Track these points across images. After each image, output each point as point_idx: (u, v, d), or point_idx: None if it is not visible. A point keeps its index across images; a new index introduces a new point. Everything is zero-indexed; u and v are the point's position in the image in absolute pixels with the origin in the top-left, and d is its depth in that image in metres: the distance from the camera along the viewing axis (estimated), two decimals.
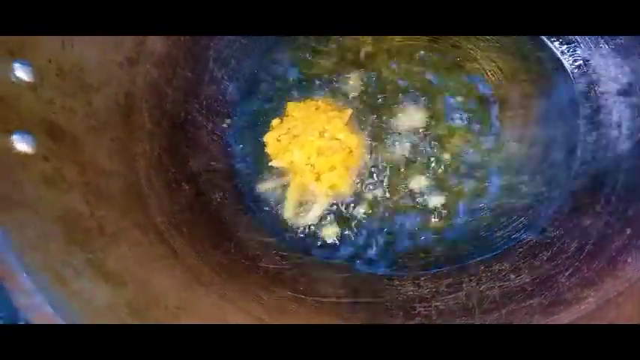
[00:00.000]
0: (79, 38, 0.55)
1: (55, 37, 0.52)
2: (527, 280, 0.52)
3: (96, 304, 0.43)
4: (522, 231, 0.58)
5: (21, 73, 0.49)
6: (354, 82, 0.67)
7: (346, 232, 0.61)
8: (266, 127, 0.66)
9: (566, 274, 0.51)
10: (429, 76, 0.66)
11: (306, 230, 0.61)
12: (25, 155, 0.47)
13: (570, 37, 0.64)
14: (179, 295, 0.49)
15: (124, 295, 0.45)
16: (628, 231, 0.51)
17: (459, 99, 0.65)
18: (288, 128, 0.63)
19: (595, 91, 0.62)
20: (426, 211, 0.61)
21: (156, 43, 0.63)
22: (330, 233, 0.61)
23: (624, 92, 0.59)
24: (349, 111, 0.64)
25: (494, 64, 0.66)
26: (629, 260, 0.48)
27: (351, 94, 0.66)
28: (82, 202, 0.49)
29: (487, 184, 0.62)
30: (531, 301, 0.49)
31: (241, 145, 0.66)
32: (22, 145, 0.46)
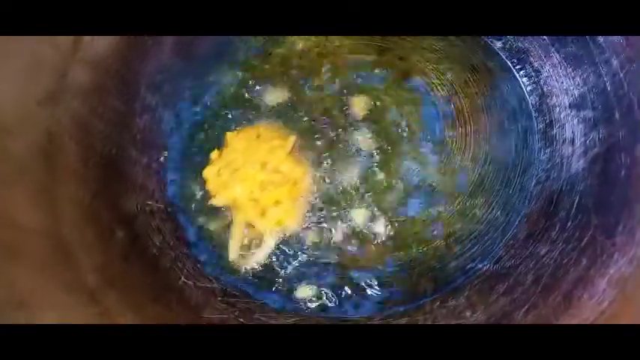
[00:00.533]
0: None
1: None
2: (483, 318, 0.50)
3: None
4: (477, 260, 0.56)
5: None
6: (296, 105, 0.62)
7: (294, 272, 0.58)
8: (205, 158, 0.61)
9: (522, 310, 0.49)
10: (375, 93, 0.62)
11: (254, 272, 0.58)
12: None
13: (521, 45, 0.61)
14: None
15: None
16: (584, 261, 0.48)
17: (406, 117, 0.61)
18: (228, 162, 0.59)
19: (547, 104, 0.59)
20: (376, 242, 0.58)
21: (79, 73, 0.58)
22: (305, 295, 0.57)
23: (576, 105, 0.57)
24: (292, 138, 0.60)
25: (443, 76, 0.63)
26: (585, 296, 0.45)
27: (294, 119, 0.62)
28: None
29: (439, 210, 0.59)
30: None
31: (180, 180, 0.61)
32: None
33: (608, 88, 0.53)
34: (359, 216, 0.58)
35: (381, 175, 0.60)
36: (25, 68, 0.53)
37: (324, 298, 0.56)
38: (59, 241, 0.52)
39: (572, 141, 0.56)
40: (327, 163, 0.60)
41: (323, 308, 0.56)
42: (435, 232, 0.58)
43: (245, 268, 0.58)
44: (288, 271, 0.57)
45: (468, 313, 0.51)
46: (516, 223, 0.57)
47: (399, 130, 0.61)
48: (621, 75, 0.52)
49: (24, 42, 0.51)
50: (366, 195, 0.59)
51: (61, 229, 0.52)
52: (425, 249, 0.57)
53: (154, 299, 0.53)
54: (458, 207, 0.58)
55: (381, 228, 0.58)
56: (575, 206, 0.53)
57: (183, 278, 0.56)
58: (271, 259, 0.58)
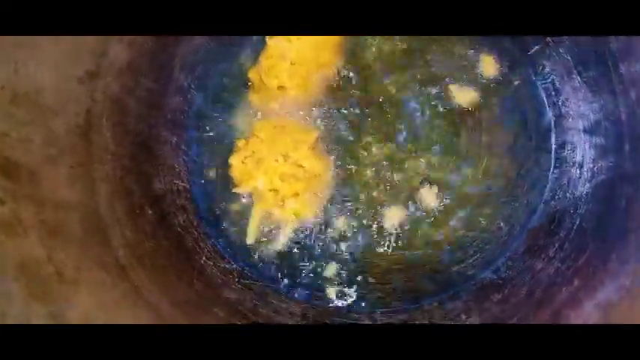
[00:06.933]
0: (33, 58, 0.52)
1: (7, 60, 0.50)
2: (476, 322, 0.55)
3: None
4: (477, 268, 0.60)
5: None
6: (324, 97, 0.64)
7: (308, 263, 0.62)
8: (232, 142, 0.64)
9: (513, 320, 0.53)
10: (399, 96, 0.64)
11: (272, 258, 0.62)
12: None
13: (545, 62, 0.62)
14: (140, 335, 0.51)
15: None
16: (575, 282, 0.52)
17: (428, 122, 0.64)
18: (253, 151, 0.62)
19: (562, 125, 0.62)
20: (386, 240, 0.62)
21: (118, 52, 0.60)
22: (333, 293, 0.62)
23: (590, 131, 0.59)
24: (315, 133, 0.63)
25: (462, 80, 0.64)
26: (572, 316, 0.50)
27: (320, 113, 0.64)
28: (39, 246, 0.49)
29: (448, 217, 0.62)
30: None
31: (206, 163, 0.65)
32: None
33: (623, 119, 0.55)
34: (370, 214, 0.62)
35: (394, 178, 0.63)
36: (66, 48, 0.55)
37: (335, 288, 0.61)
38: (95, 217, 0.56)
39: (581, 164, 0.59)
40: (347, 162, 0.63)
41: (329, 298, 0.61)
42: (441, 237, 0.62)
43: (262, 254, 0.62)
44: (302, 260, 0.62)
45: (463, 317, 0.56)
46: (518, 236, 0.61)
47: (417, 134, 0.63)
48: (637, 109, 0.54)
49: None
50: (380, 195, 0.63)
51: (97, 205, 0.56)
52: (430, 252, 0.61)
53: (178, 277, 0.58)
54: (464, 215, 0.62)
55: (391, 224, 0.62)
56: (575, 228, 0.57)
57: (204, 258, 0.61)
58: (287, 247, 0.62)
